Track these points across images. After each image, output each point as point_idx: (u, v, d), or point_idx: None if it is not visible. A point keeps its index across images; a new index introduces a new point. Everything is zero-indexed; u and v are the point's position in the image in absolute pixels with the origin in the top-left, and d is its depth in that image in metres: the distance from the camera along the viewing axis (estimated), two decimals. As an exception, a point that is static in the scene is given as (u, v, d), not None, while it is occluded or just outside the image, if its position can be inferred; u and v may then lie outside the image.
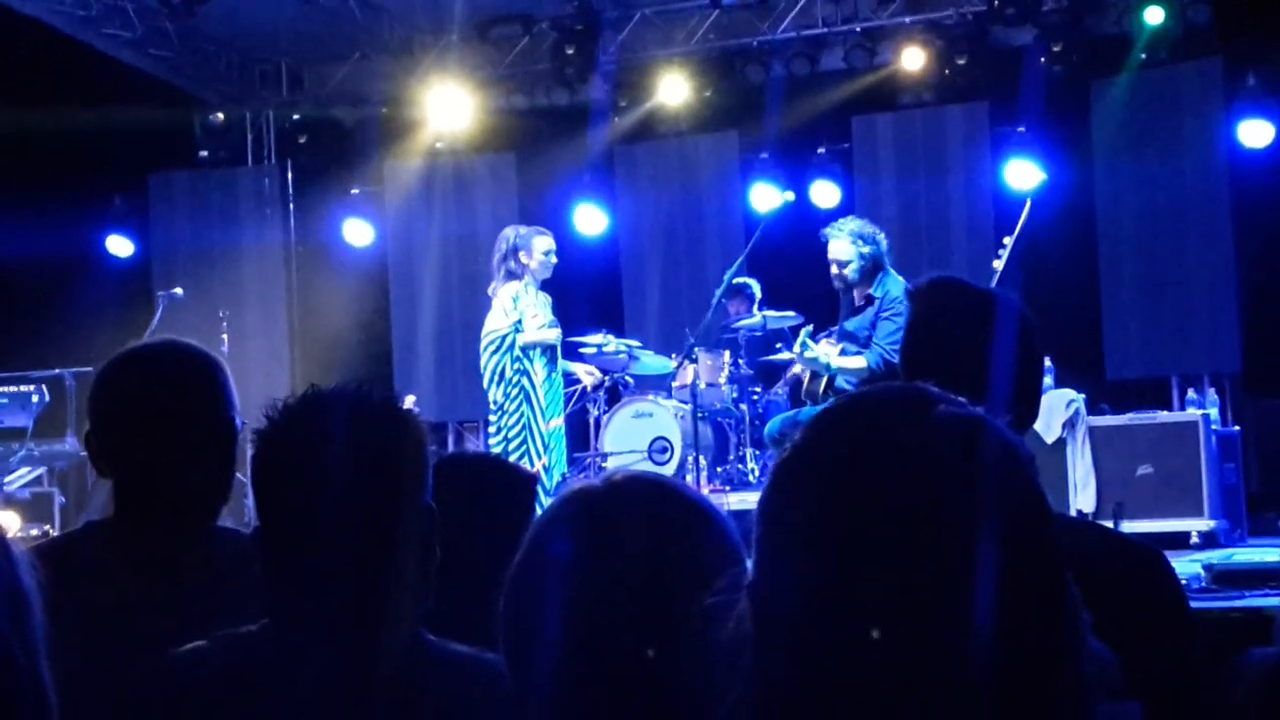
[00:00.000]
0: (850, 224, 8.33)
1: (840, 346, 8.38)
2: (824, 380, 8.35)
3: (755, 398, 10.40)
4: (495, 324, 9.05)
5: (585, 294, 11.43)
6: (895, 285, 8.16)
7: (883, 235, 8.33)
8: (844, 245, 8.21)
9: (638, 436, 10.21)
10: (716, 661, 1.33)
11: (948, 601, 1.18)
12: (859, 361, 8.13)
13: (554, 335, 9.14)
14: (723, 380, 10.22)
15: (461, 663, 2.06)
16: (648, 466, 9.56)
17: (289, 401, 2.07)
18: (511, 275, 9.02)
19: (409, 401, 10.19)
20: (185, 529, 2.66)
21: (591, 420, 10.50)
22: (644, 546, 1.67)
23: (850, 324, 8.33)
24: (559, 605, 1.66)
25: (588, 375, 10.04)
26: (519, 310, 8.97)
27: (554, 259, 9.16)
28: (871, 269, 8.19)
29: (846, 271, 8.21)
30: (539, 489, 3.09)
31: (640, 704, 1.64)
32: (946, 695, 1.18)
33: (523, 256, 9.02)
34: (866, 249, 8.16)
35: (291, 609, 2.04)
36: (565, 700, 1.66)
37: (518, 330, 8.98)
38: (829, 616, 1.20)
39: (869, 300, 8.21)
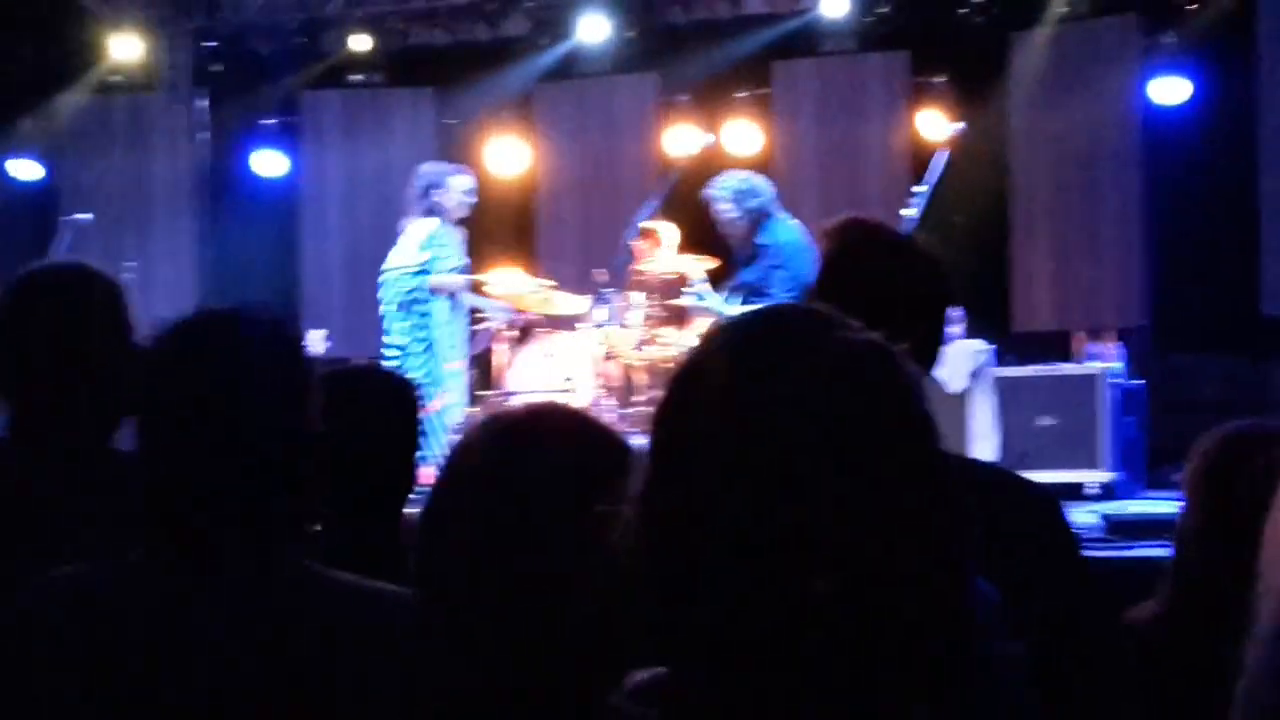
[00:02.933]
0: (729, 181, 8.61)
1: (741, 299, 8.57)
2: None
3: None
4: (402, 259, 8.99)
5: (500, 231, 11.38)
6: (784, 231, 8.38)
7: (765, 183, 8.53)
8: (725, 205, 8.51)
9: (546, 375, 10.18)
10: (598, 568, 1.34)
11: (833, 519, 1.19)
12: None
13: (461, 281, 9.10)
14: (634, 322, 10.19)
15: (348, 591, 2.05)
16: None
17: (175, 322, 2.05)
18: (428, 213, 8.96)
19: (319, 335, 10.12)
20: (82, 451, 2.64)
21: (500, 358, 10.46)
22: (566, 468, 1.69)
23: (747, 275, 8.53)
24: (478, 527, 1.68)
25: (499, 312, 9.99)
26: (432, 250, 8.91)
27: (472, 198, 9.11)
28: (758, 218, 8.39)
29: (732, 229, 8.49)
30: (418, 404, 3.09)
31: (546, 619, 1.65)
32: (827, 610, 1.19)
33: (440, 194, 8.96)
34: (751, 202, 8.41)
35: (172, 535, 2.02)
36: (477, 617, 1.67)
37: (426, 271, 8.91)
38: (716, 527, 1.21)
39: (757, 250, 8.39)
